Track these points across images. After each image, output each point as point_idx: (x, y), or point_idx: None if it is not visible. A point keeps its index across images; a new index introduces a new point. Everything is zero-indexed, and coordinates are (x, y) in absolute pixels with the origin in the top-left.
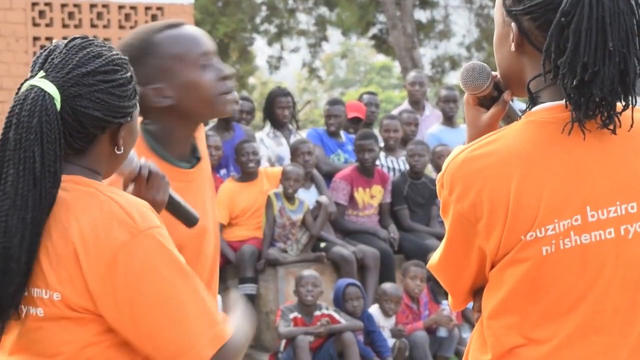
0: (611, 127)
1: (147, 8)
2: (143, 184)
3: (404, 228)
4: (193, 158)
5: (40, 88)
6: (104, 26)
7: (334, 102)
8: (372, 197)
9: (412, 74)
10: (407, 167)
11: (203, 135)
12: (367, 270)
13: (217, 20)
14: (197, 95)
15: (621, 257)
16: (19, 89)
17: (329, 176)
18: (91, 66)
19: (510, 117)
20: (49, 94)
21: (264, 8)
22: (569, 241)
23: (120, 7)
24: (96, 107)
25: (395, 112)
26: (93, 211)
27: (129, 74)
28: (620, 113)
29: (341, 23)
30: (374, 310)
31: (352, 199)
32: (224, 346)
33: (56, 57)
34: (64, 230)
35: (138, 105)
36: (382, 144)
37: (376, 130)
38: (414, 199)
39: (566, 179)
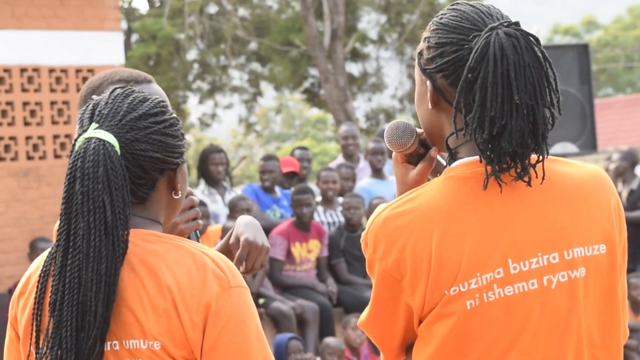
0: (526, 179)
1: (78, 70)
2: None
3: (342, 281)
4: None
5: (98, 138)
6: (35, 90)
7: (267, 158)
8: (309, 251)
9: (343, 128)
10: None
11: None
12: (307, 324)
13: None
14: None
15: (546, 308)
16: (73, 145)
17: (265, 231)
18: (141, 110)
19: (439, 172)
20: (108, 142)
21: (196, 66)
22: (492, 294)
23: (51, 70)
24: (155, 148)
25: (331, 165)
26: (187, 262)
27: (174, 115)
28: (535, 164)
29: (274, 78)
30: None
31: (289, 253)
32: None
33: (104, 109)
34: (157, 281)
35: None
36: (318, 198)
37: (311, 184)
38: (350, 251)
39: (487, 233)
